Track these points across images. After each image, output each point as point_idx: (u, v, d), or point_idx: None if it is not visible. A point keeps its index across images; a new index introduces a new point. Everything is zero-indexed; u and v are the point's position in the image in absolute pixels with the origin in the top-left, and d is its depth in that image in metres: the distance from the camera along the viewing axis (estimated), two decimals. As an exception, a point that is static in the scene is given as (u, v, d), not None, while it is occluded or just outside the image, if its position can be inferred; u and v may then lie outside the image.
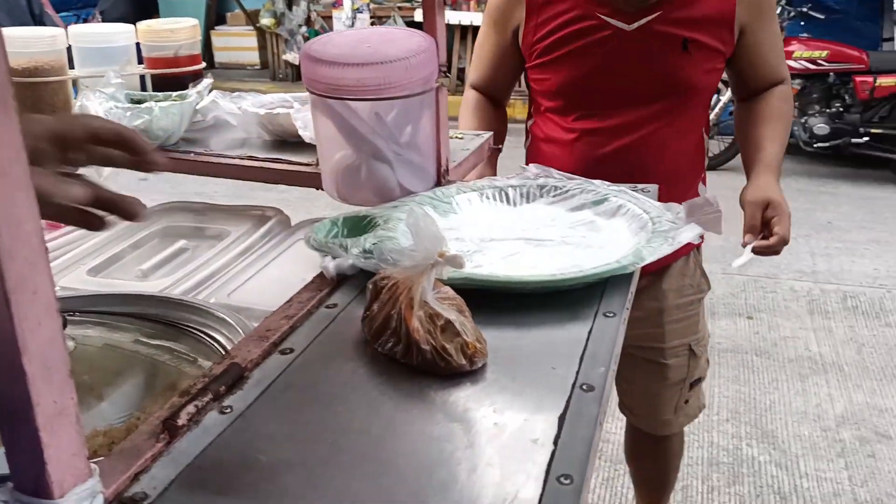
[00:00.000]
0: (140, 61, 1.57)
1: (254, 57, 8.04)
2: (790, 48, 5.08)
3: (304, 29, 7.37)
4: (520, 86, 1.76)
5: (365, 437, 0.70)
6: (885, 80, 4.95)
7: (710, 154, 4.96)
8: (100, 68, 1.46)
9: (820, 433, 2.66)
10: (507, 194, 1.18)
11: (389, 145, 1.12)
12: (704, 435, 2.64)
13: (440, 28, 1.17)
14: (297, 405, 0.76)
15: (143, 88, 1.55)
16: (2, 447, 0.50)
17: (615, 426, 2.64)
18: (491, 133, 1.51)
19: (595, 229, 1.08)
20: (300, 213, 1.63)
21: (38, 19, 2.46)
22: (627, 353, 1.66)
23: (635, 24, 1.43)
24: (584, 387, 0.75)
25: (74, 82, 1.49)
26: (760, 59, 1.57)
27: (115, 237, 1.46)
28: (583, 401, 0.73)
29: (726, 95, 4.77)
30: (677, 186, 1.48)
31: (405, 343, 0.80)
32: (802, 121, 5.12)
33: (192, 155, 1.36)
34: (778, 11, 5.11)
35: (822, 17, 5.20)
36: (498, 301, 0.90)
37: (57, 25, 2.20)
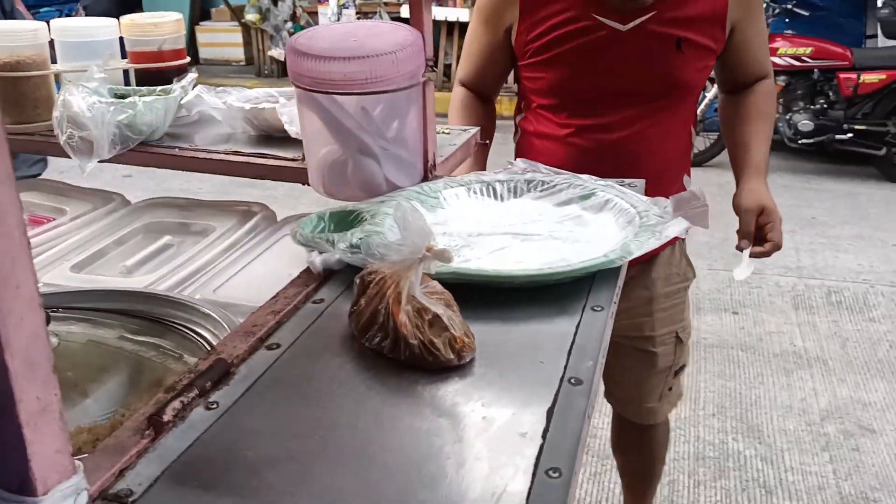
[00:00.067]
0: (123, 56, 1.55)
1: (239, 53, 8.00)
2: (775, 45, 5.10)
3: (289, 24, 7.34)
4: (507, 82, 1.76)
5: (352, 433, 0.70)
6: (868, 77, 4.98)
7: (696, 150, 4.99)
8: (83, 63, 1.44)
9: (805, 427, 2.68)
10: (494, 189, 1.18)
11: (376, 140, 1.12)
12: (691, 430, 2.65)
13: (427, 22, 1.17)
14: (283, 401, 0.75)
15: (127, 83, 1.53)
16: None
17: (602, 421, 2.65)
18: (478, 128, 1.51)
19: (582, 224, 1.08)
20: (286, 209, 1.63)
21: (10, 15, 2.44)
22: (617, 342, 1.66)
23: (630, 25, 1.44)
24: (572, 380, 0.75)
25: (57, 77, 1.47)
26: (748, 55, 1.59)
27: (99, 233, 1.45)
28: (571, 394, 0.73)
29: (712, 92, 4.79)
30: (666, 181, 1.50)
31: (393, 338, 0.79)
32: (787, 117, 5.15)
33: (176, 150, 1.35)
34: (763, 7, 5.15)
35: (806, 14, 5.24)
36: (486, 295, 0.90)
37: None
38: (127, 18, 1.53)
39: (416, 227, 0.80)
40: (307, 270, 0.98)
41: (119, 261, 1.36)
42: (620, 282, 0.95)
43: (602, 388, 1.85)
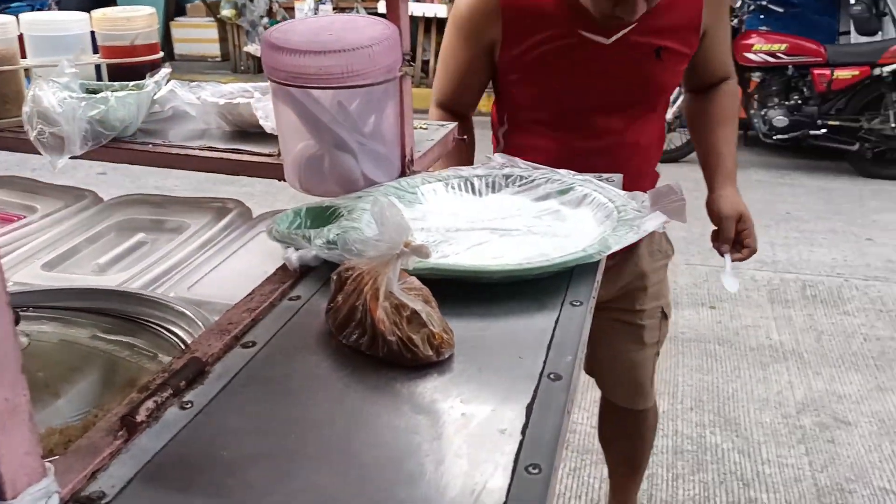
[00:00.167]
0: (95, 51, 1.53)
1: (214, 49, 7.93)
2: (750, 41, 5.15)
3: (265, 20, 7.28)
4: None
5: (330, 431, 0.69)
6: (841, 73, 5.04)
7: (673, 146, 5.03)
8: (53, 57, 1.42)
9: (781, 420, 2.70)
10: (472, 184, 1.17)
11: (353, 135, 1.11)
12: (669, 424, 2.67)
13: (403, 16, 1.16)
14: (259, 399, 0.74)
15: (99, 78, 1.51)
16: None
17: (582, 416, 2.66)
18: (455, 124, 1.50)
19: (561, 218, 1.08)
20: (264, 205, 1.61)
21: None
22: (607, 324, 1.74)
23: (613, 38, 1.46)
24: (552, 376, 0.75)
25: (27, 72, 1.45)
26: (716, 57, 1.64)
27: (71, 230, 1.43)
28: (550, 390, 0.73)
29: (687, 89, 4.81)
30: (643, 177, 1.58)
31: (370, 335, 0.78)
32: (762, 113, 5.20)
33: (149, 146, 1.33)
34: (738, 5, 5.19)
35: (781, 10, 5.28)
36: (464, 291, 0.89)
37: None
38: (99, 13, 1.51)
39: (394, 222, 0.79)
40: (283, 267, 0.97)
41: (91, 259, 1.33)
42: (599, 276, 0.95)
43: (583, 385, 1.86)
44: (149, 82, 1.38)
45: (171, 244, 1.37)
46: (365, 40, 1.05)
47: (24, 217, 1.51)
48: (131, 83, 1.38)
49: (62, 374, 0.96)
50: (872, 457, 2.50)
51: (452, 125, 1.49)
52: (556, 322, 0.85)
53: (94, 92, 1.33)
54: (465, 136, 1.55)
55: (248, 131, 1.35)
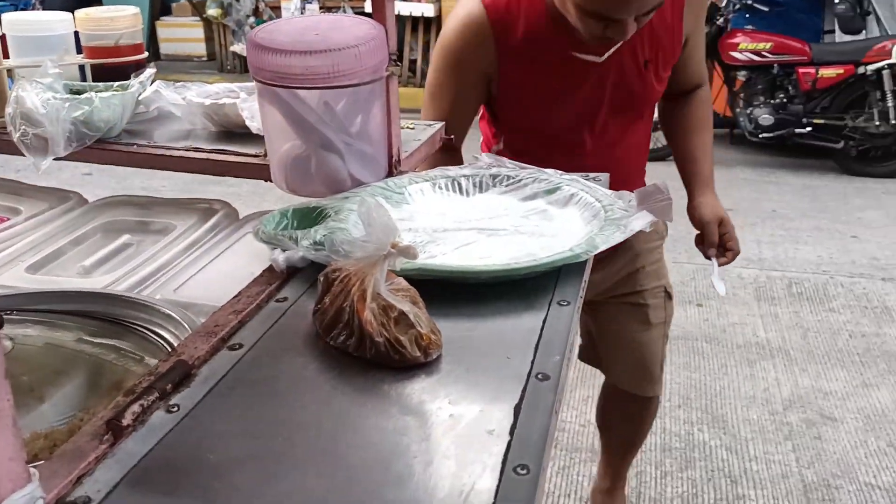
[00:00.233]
0: (79, 51, 1.52)
1: (200, 48, 7.89)
2: (736, 40, 5.17)
3: (251, 19, 7.25)
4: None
5: (317, 433, 0.69)
6: (826, 72, 5.07)
7: (660, 145, 5.04)
8: (37, 58, 1.41)
9: (768, 417, 2.72)
10: (459, 184, 1.17)
11: (339, 135, 1.10)
12: (657, 422, 2.67)
13: (389, 16, 1.16)
14: (246, 402, 0.74)
15: (83, 79, 1.49)
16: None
17: (570, 415, 2.66)
18: (442, 123, 1.50)
19: (548, 218, 1.08)
20: (251, 206, 1.60)
21: None
22: (614, 306, 1.79)
23: (605, 56, 1.47)
24: (540, 376, 0.75)
25: (10, 72, 1.43)
26: (692, 64, 1.67)
27: (56, 232, 1.42)
28: (538, 390, 0.73)
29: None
30: (632, 179, 1.63)
31: (358, 336, 0.78)
32: (748, 112, 5.22)
33: (134, 147, 1.32)
34: (724, 4, 5.21)
35: (766, 9, 5.31)
36: (452, 291, 0.89)
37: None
38: (82, 12, 1.50)
39: (381, 223, 0.79)
40: (270, 268, 0.97)
41: (76, 261, 1.32)
42: (586, 276, 0.95)
43: (569, 380, 1.87)
44: (133, 83, 1.37)
45: (157, 246, 1.36)
46: (351, 40, 1.05)
47: (8, 219, 1.50)
48: (116, 84, 1.37)
49: (47, 378, 0.95)
50: (858, 452, 2.52)
51: (440, 125, 1.48)
52: (544, 322, 0.85)
53: (78, 93, 1.32)
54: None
55: (234, 132, 1.34)
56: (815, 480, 2.40)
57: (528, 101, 1.53)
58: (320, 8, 7.01)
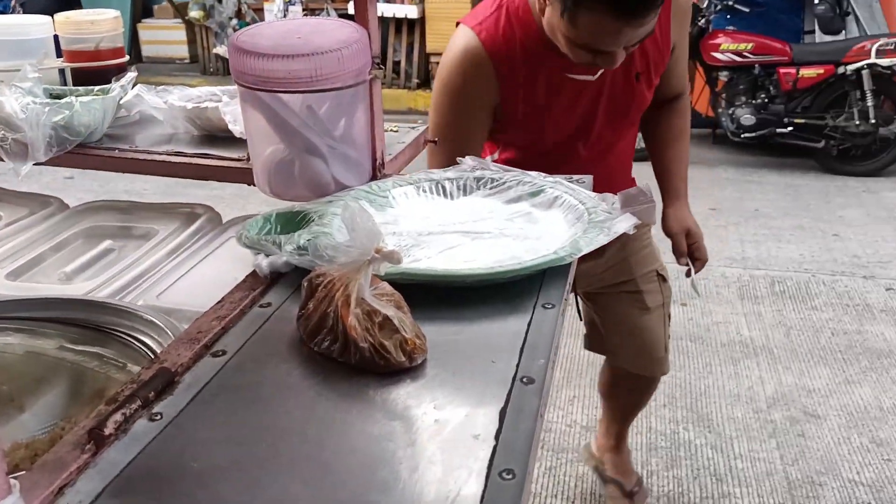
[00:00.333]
0: (59, 55, 1.50)
1: (183, 51, 7.84)
2: (717, 41, 5.20)
3: (234, 21, 7.22)
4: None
5: (302, 439, 0.69)
6: (807, 72, 5.11)
7: (642, 145, 5.06)
8: (16, 62, 1.39)
9: (752, 415, 2.74)
10: (444, 187, 1.17)
11: (323, 139, 1.10)
12: (643, 421, 2.69)
13: (372, 19, 1.15)
14: (230, 409, 0.73)
15: (64, 83, 1.48)
16: None
17: (556, 415, 2.67)
18: (426, 126, 1.50)
19: (532, 221, 1.08)
20: (234, 209, 1.59)
21: None
22: (612, 296, 1.85)
23: (598, 73, 1.51)
24: (525, 379, 0.75)
25: (-12, 77, 1.42)
26: (675, 72, 1.71)
27: (36, 238, 1.40)
28: (523, 394, 0.73)
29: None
30: (620, 179, 1.70)
31: (342, 341, 0.78)
32: (730, 112, 5.25)
33: (116, 151, 1.31)
34: (705, 5, 5.24)
35: (747, 10, 5.34)
36: (437, 295, 0.89)
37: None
38: (62, 16, 1.48)
39: (365, 228, 0.78)
40: (253, 274, 0.96)
41: (57, 267, 1.31)
42: (571, 278, 0.95)
43: (555, 381, 1.89)
44: (115, 87, 1.36)
45: (139, 251, 1.35)
46: (334, 44, 1.04)
47: (-12, 225, 1.48)
48: (96, 88, 1.36)
49: (28, 387, 0.94)
50: (842, 449, 2.54)
51: (423, 127, 1.48)
52: (529, 325, 0.85)
53: (59, 97, 1.31)
54: None
55: (217, 135, 1.34)
56: (799, 477, 2.42)
57: (526, 120, 1.55)
58: (303, 10, 6.98)
